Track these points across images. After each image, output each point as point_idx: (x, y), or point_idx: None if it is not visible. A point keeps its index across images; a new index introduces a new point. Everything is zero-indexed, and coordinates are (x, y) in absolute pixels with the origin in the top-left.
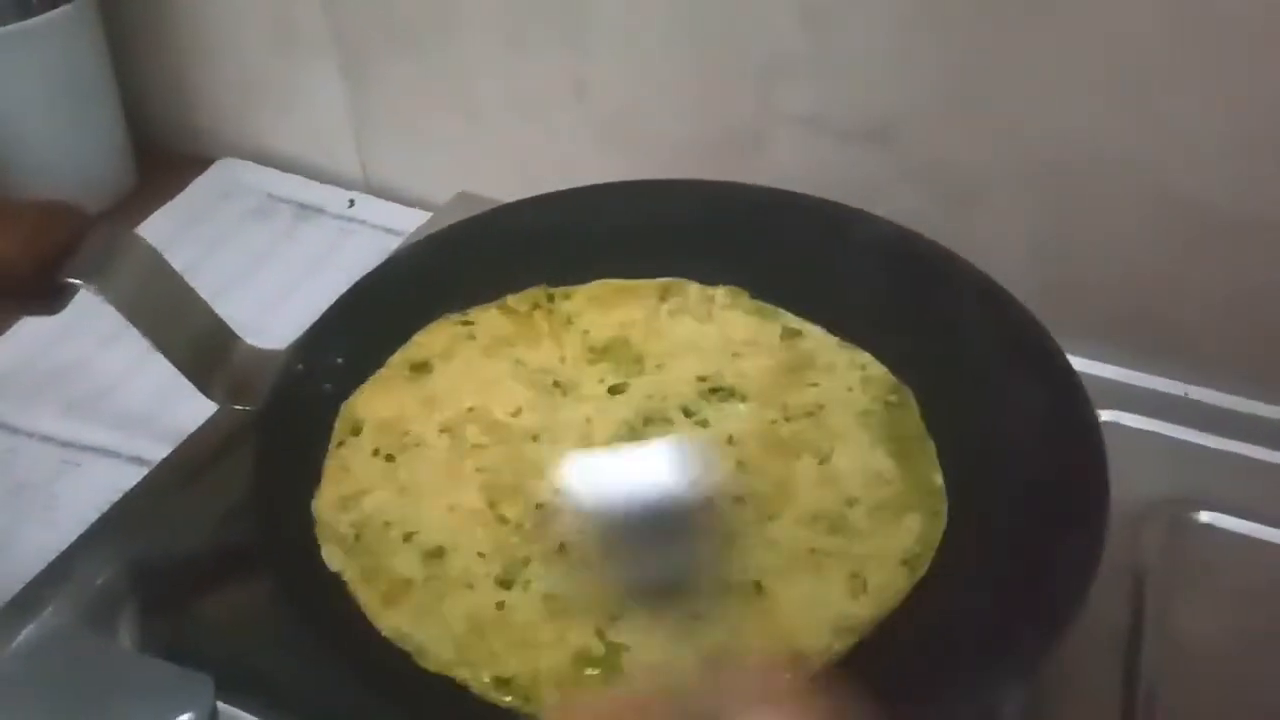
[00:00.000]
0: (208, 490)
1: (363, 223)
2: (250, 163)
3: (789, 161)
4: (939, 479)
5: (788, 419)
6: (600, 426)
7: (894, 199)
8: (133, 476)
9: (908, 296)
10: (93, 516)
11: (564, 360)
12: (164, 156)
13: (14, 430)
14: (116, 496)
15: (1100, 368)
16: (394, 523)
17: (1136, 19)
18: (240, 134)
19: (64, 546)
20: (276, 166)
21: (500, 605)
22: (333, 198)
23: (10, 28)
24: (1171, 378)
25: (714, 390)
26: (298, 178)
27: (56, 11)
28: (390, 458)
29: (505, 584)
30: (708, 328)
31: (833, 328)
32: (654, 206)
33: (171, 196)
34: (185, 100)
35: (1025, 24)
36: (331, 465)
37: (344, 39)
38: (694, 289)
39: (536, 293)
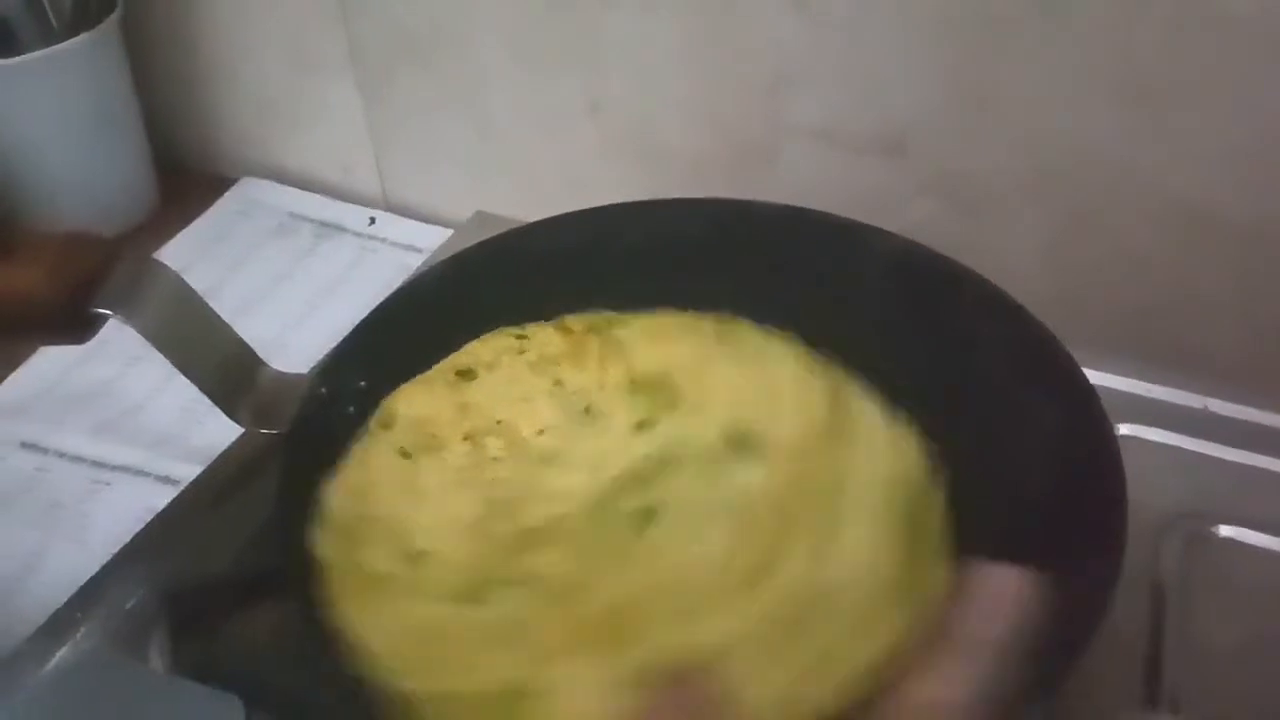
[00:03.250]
0: (236, 512)
1: (384, 240)
2: (271, 182)
3: (803, 175)
4: (943, 578)
5: (804, 485)
6: (614, 461)
7: (907, 211)
8: (162, 495)
9: (924, 316)
10: (124, 535)
11: (603, 387)
12: (186, 177)
13: (44, 450)
14: (147, 515)
15: (1118, 381)
16: (389, 519)
17: (1148, 28)
18: (261, 154)
19: (96, 565)
20: (297, 185)
21: (454, 619)
22: (353, 216)
23: (35, 54)
24: (1191, 391)
25: (739, 443)
26: (318, 196)
27: (80, 37)
28: (409, 456)
29: (468, 599)
30: (754, 374)
31: (847, 354)
32: (678, 227)
33: (194, 217)
34: (206, 121)
35: (1036, 35)
36: (354, 455)
37: (362, 58)
38: (750, 332)
39: (595, 316)
